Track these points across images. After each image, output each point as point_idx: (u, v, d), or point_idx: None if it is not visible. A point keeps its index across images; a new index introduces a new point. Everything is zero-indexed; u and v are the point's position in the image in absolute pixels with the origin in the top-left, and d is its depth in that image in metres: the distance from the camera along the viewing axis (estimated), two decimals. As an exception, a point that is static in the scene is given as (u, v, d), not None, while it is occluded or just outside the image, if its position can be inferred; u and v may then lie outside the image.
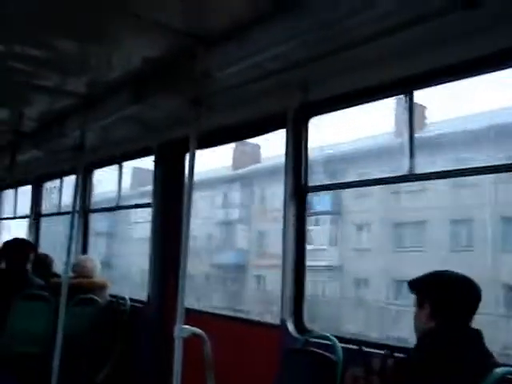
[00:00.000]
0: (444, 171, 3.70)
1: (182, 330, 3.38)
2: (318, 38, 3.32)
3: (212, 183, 22.66)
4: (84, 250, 7.21)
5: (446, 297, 2.91)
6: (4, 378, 5.46)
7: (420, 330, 2.96)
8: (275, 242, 17.79)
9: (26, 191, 9.25)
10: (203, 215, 22.54)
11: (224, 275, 22.22)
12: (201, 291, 20.19)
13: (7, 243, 6.06)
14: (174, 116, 5.13)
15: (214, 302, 19.93)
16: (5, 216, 10.34)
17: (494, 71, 3.36)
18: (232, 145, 19.99)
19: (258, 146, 23.45)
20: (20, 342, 5.40)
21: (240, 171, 22.87)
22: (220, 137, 5.25)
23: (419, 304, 3.00)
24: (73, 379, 5.24)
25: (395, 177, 3.97)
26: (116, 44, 4.02)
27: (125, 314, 5.83)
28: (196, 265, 20.49)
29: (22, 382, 5.42)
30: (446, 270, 3.05)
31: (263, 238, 21.29)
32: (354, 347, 3.61)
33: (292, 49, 3.41)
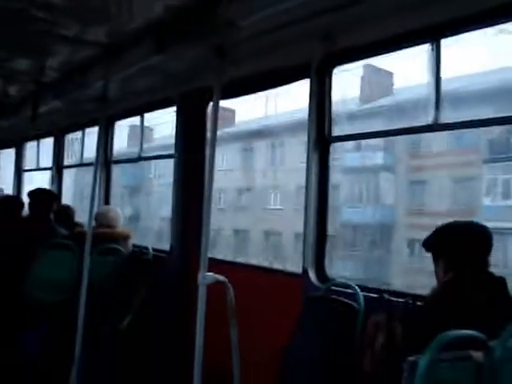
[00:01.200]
0: (469, 121, 3.64)
1: (206, 277, 3.43)
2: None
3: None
4: (106, 201, 7.28)
5: (454, 247, 2.92)
6: (31, 325, 5.62)
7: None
8: (438, 196, 14.05)
9: (47, 143, 9.32)
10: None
11: (359, 238, 16.72)
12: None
13: (31, 193, 6.16)
14: (197, 65, 5.08)
15: (341, 271, 14.26)
16: (27, 168, 10.46)
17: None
18: (358, 72, 14.33)
19: (390, 74, 15.80)
20: (45, 290, 5.53)
21: (376, 103, 15.46)
22: (243, 87, 5.21)
23: (435, 262, 3.01)
24: (98, 326, 5.36)
25: (420, 126, 3.92)
26: (138, -8, 3.98)
27: (148, 263, 5.92)
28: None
29: (48, 330, 5.57)
30: (454, 221, 3.05)
31: (419, 191, 15.62)
32: (376, 295, 3.64)
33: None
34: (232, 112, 19.21)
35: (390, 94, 14.89)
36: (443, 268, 2.93)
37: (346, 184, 17.31)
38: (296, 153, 15.52)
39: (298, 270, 4.36)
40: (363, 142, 15.67)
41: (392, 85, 15.05)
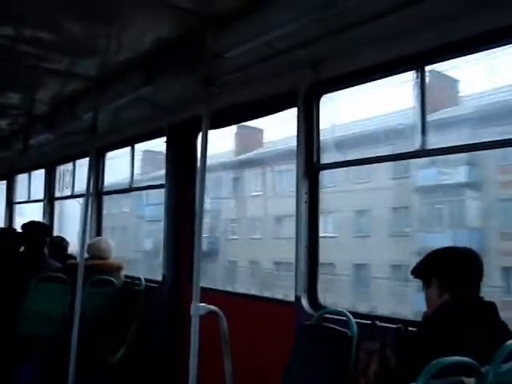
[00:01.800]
0: (455, 146, 3.68)
1: (198, 307, 3.42)
2: (329, 15, 3.31)
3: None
4: (98, 232, 7.27)
5: (448, 269, 2.92)
6: (24, 360, 5.56)
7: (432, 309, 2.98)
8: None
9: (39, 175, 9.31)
10: (381, 178, 14.91)
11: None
12: (388, 291, 14.75)
13: (24, 226, 6.14)
14: (185, 96, 5.14)
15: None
16: (19, 200, 10.43)
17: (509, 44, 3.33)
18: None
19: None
20: (38, 323, 5.48)
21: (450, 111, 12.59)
22: (232, 116, 5.25)
23: (427, 285, 3.01)
24: (90, 359, 5.32)
25: (407, 152, 3.96)
26: (126, 25, 4.03)
27: (140, 294, 5.89)
28: (372, 249, 15.07)
29: (42, 362, 5.51)
30: (445, 246, 3.07)
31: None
32: (368, 322, 3.64)
33: (302, 27, 3.40)
34: (260, 132, 18.42)
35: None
36: (438, 290, 2.93)
37: (421, 205, 15.24)
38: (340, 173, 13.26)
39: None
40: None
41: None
